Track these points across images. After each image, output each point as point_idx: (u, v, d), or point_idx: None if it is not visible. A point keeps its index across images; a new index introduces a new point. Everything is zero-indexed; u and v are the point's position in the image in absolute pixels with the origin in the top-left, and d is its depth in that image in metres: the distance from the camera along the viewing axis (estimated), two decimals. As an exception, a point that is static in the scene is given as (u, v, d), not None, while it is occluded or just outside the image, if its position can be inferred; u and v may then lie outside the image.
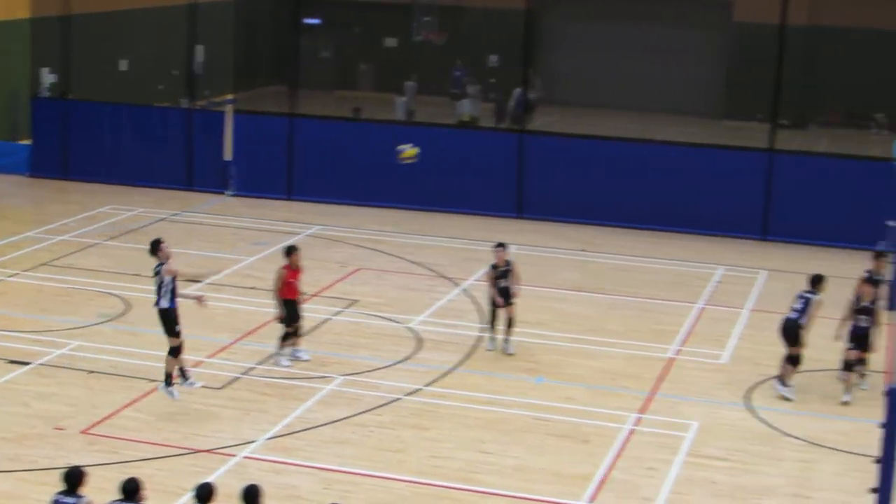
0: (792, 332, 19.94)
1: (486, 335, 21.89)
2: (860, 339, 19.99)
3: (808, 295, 20.05)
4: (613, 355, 21.88)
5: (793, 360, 19.98)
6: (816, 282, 20.21)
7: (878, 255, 21.71)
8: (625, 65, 45.90)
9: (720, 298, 25.63)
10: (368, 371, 20.50)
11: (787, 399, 19.79)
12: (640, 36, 46.24)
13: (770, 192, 30.27)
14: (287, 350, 20.68)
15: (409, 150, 24.35)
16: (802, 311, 19.93)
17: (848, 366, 20.00)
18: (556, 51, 46.84)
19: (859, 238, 28.27)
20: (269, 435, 17.76)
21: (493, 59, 46.59)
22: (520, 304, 21.72)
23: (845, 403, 19.79)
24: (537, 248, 28.95)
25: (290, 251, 20.67)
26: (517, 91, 38.63)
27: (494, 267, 21.62)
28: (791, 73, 32.99)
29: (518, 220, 31.67)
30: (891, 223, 25.24)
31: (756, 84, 36.09)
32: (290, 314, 20.51)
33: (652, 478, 16.96)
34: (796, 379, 20.09)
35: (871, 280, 20.79)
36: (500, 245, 21.78)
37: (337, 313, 23.48)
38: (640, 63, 45.66)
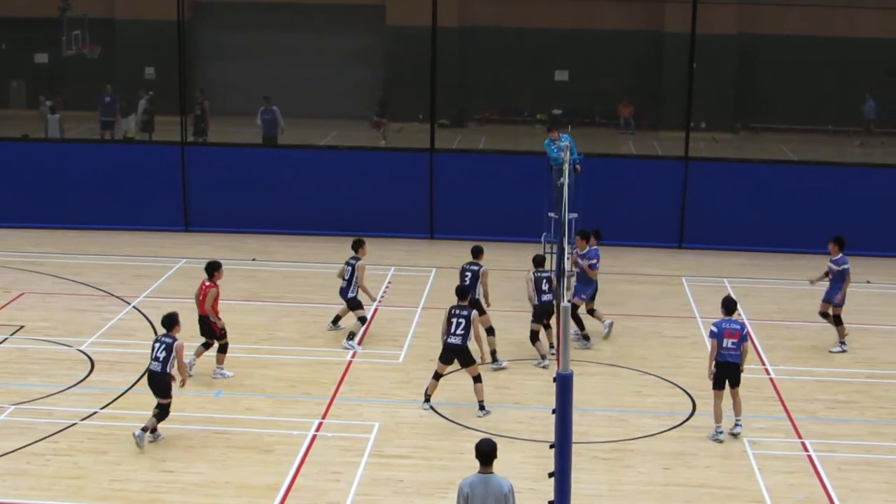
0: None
1: None
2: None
3: (474, 267, 21.86)
4: (291, 362, 21.86)
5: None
6: (478, 252, 22.25)
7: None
8: (285, 73, 45.54)
9: (393, 299, 25.94)
10: (40, 398, 19.82)
11: None
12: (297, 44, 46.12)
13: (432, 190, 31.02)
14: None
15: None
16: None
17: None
18: (214, 61, 46.16)
19: (521, 231, 29.24)
20: (-63, 473, 16.97)
21: (150, 71, 45.66)
22: (192, 318, 21.29)
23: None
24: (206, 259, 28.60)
25: (218, 267, 21.05)
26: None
27: None
28: (446, 73, 33.65)
29: (185, 233, 31.25)
30: (552, 215, 25.98)
31: (414, 85, 36.52)
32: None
33: (338, 482, 17.04)
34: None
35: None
36: None
37: (2, 340, 22.60)
38: (300, 70, 45.52)
